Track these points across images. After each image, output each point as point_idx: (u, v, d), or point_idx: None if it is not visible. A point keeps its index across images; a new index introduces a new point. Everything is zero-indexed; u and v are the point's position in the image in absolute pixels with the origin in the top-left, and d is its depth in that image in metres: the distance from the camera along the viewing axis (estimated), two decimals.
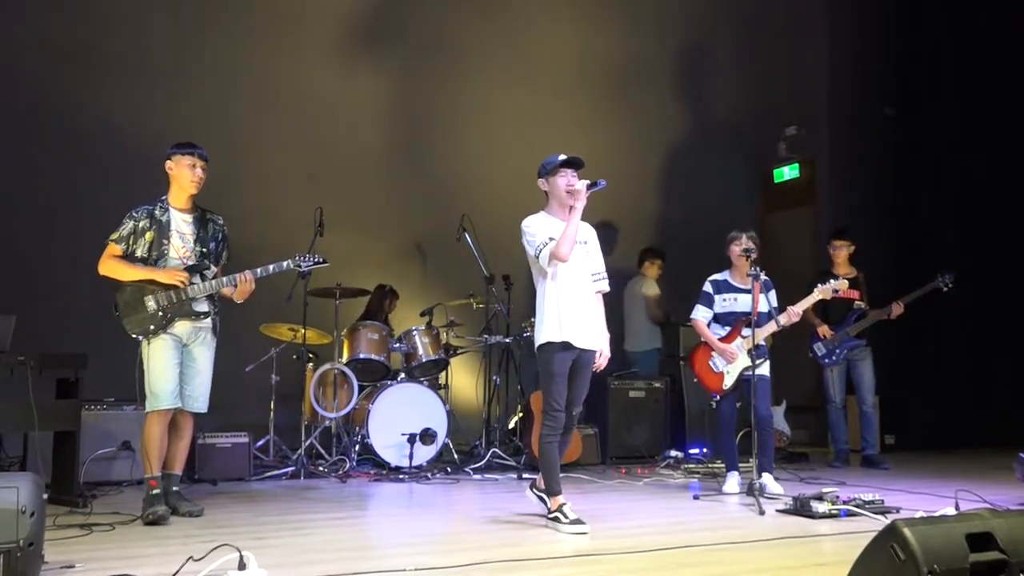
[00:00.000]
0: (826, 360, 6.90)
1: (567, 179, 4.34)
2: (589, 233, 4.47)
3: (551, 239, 4.25)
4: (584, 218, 4.38)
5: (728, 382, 5.47)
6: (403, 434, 6.12)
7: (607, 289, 4.49)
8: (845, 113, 8.80)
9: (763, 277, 5.28)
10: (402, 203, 7.97)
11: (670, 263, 8.17)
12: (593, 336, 4.35)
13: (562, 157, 4.37)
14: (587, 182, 4.30)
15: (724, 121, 9.18)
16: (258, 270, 4.59)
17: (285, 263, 4.68)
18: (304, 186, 7.57)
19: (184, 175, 4.52)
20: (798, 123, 8.90)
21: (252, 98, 7.56)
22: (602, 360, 4.42)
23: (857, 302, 6.85)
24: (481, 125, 8.34)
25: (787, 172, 9.04)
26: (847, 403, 7.06)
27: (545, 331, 4.28)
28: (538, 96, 8.45)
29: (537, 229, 4.32)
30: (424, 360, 6.60)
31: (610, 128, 8.66)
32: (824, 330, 6.85)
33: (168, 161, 4.54)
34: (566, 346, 4.25)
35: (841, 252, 6.88)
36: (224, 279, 4.56)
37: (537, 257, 4.28)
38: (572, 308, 4.28)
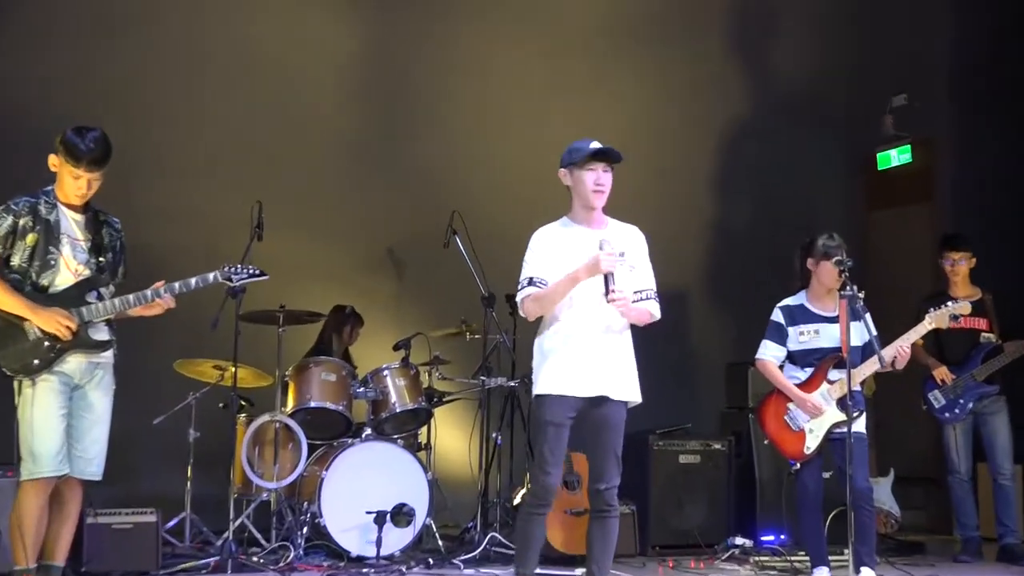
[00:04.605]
0: (945, 414, 6.85)
1: (596, 174, 4.40)
2: (629, 241, 4.50)
3: (533, 281, 4.33)
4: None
5: (811, 444, 5.45)
6: (368, 512, 6.09)
7: (655, 312, 4.49)
8: (975, 77, 8.76)
9: (860, 299, 5.20)
10: (371, 196, 7.98)
11: (732, 285, 8.11)
12: (616, 380, 4.38)
13: (594, 145, 4.41)
14: (612, 271, 4.22)
15: (807, 88, 9.18)
16: (176, 285, 4.64)
17: (211, 276, 4.76)
18: (240, 173, 7.59)
19: (67, 185, 4.57)
20: (910, 91, 8.86)
21: (174, 57, 7.63)
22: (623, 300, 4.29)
23: (985, 334, 6.83)
24: (479, 93, 8.35)
25: (895, 156, 8.98)
26: (976, 473, 7.00)
27: (541, 378, 4.40)
28: (554, 55, 8.48)
29: (536, 254, 4.41)
30: (398, 410, 6.59)
31: (648, 98, 8.69)
32: (942, 373, 6.80)
33: (53, 155, 4.57)
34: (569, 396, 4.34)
35: (960, 267, 6.87)
36: (131, 297, 4.61)
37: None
38: (582, 348, 4.34)
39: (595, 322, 4.37)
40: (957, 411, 6.81)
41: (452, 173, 8.03)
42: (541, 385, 4.40)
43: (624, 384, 4.41)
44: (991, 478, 6.93)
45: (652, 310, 4.49)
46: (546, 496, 4.36)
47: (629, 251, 4.46)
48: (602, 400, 4.37)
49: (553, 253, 4.39)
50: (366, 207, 7.97)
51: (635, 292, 4.45)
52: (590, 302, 4.36)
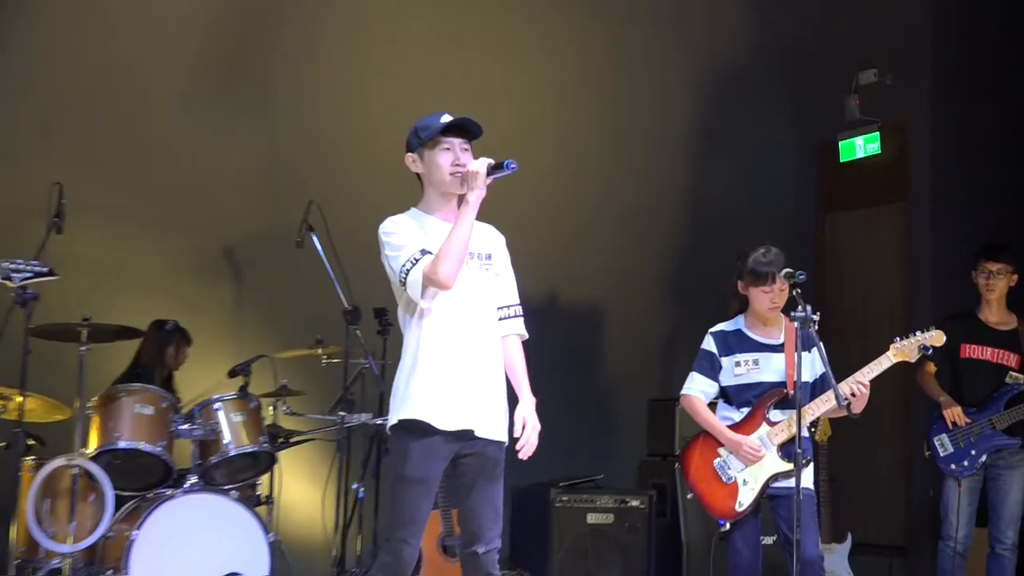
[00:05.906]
0: (951, 465, 6.82)
1: (453, 154, 4.47)
2: (493, 242, 4.64)
3: (425, 252, 4.37)
4: (493, 217, 4.47)
5: (744, 499, 5.45)
6: None
7: (524, 333, 4.65)
8: (960, 52, 8.92)
9: (815, 322, 5.17)
10: (204, 179, 7.94)
11: (658, 303, 8.15)
12: (493, 416, 4.46)
13: (445, 118, 4.50)
14: (488, 161, 4.40)
15: (760, 59, 9.36)
16: None
17: None
18: (33, 145, 7.54)
19: None
20: (881, 65, 8.98)
21: None
22: (532, 433, 4.52)
23: (1013, 372, 6.87)
24: (356, 50, 8.39)
25: (861, 145, 9.13)
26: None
27: (399, 403, 4.45)
28: (444, 14, 8.54)
29: (405, 237, 4.45)
30: (233, 453, 6.60)
31: (560, 67, 8.81)
32: (955, 414, 6.78)
33: None
34: (433, 431, 4.37)
35: (996, 282, 6.90)
36: None
37: (403, 284, 4.40)
38: (455, 369, 4.41)
39: (467, 348, 4.46)
40: (967, 463, 6.78)
41: (312, 153, 8.07)
42: (403, 409, 4.42)
43: (498, 421, 4.48)
44: (989, 545, 6.87)
45: (520, 331, 4.64)
46: (402, 571, 4.41)
47: (494, 254, 4.59)
48: (473, 439, 4.42)
49: (419, 234, 4.46)
50: (199, 195, 7.90)
51: (499, 308, 4.57)
52: (461, 325, 4.46)
